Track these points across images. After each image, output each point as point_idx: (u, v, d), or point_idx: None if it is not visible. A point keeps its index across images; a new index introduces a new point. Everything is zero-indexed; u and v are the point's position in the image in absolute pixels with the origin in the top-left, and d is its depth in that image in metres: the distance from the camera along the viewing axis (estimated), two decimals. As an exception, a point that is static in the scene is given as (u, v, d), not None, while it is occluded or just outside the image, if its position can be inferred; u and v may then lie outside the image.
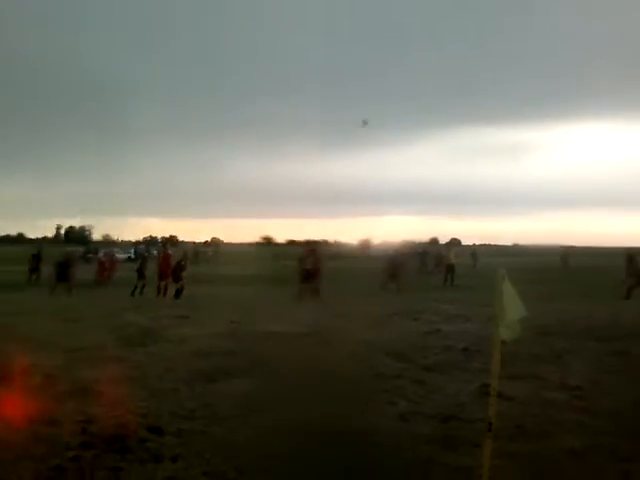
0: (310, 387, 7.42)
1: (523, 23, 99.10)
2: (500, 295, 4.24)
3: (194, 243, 72.42)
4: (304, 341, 10.90)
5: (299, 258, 21.70)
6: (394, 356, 9.56)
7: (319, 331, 11.75)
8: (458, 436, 5.70)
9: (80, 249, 52.37)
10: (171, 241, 71.76)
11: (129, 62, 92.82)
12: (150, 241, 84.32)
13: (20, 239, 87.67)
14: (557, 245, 53.07)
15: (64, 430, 5.69)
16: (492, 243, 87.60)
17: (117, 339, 11.09)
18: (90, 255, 49.42)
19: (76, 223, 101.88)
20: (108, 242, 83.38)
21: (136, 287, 22.28)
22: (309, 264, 20.85)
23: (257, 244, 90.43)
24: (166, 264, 22.11)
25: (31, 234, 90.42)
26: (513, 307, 4.27)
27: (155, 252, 42.02)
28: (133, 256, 54.48)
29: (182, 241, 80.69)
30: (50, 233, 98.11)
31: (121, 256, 50.02)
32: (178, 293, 20.93)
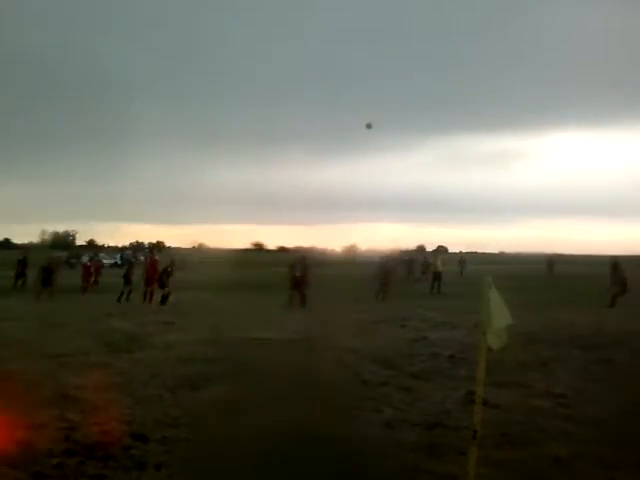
0: (295, 394, 7.38)
1: (519, 31, 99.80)
2: (487, 303, 4.25)
3: (180, 249, 72.20)
4: (290, 348, 10.88)
5: (289, 265, 21.71)
6: (380, 363, 9.56)
7: (305, 338, 11.73)
8: (443, 444, 5.70)
9: (64, 254, 52.05)
10: (158, 247, 71.45)
11: (125, 66, 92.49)
12: (137, 246, 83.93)
13: (6, 244, 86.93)
14: (543, 253, 53.33)
15: (47, 437, 5.63)
16: (478, 251, 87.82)
17: (102, 345, 11.03)
18: (73, 260, 49.17)
19: (60, 228, 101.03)
20: (93, 247, 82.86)
21: (122, 293, 22.13)
22: (298, 271, 20.87)
23: (247, 250, 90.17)
24: (153, 270, 22.00)
25: (17, 239, 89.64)
26: (500, 315, 4.28)
27: (142, 258, 41.82)
28: (119, 262, 54.22)
29: (169, 247, 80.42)
30: (35, 239, 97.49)
31: (107, 261, 49.81)
32: (164, 299, 20.82)
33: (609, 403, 7.21)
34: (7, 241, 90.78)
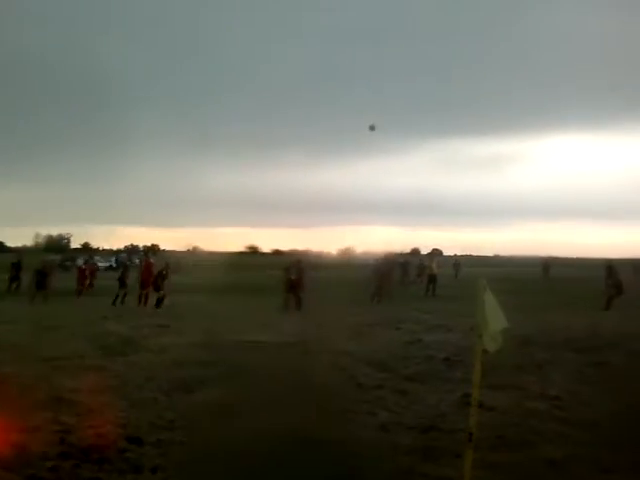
0: (290, 397, 7.38)
1: (519, 35, 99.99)
2: (482, 306, 4.25)
3: (175, 252, 72.13)
4: (285, 351, 10.87)
5: (285, 268, 21.72)
6: (375, 366, 9.55)
7: (301, 341, 11.72)
8: (439, 446, 5.71)
9: (58, 257, 51.96)
10: (153, 250, 71.29)
11: (123, 68, 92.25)
12: (132, 250, 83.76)
13: (0, 247, 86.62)
14: (538, 256, 53.39)
15: (42, 440, 5.61)
16: (473, 254, 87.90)
17: (97, 348, 11.00)
18: (68, 263, 49.06)
19: (55, 231, 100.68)
20: (88, 250, 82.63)
21: (117, 296, 22.08)
22: (294, 274, 20.89)
23: (242, 253, 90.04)
24: (148, 273, 21.95)
25: (11, 242, 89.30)
26: (495, 318, 4.29)
27: (137, 261, 41.74)
28: (114, 265, 54.09)
29: (164, 250, 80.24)
30: (29, 242, 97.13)
31: (102, 264, 49.70)
32: (159, 302, 20.79)
33: (604, 406, 7.23)
34: (1, 244, 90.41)
